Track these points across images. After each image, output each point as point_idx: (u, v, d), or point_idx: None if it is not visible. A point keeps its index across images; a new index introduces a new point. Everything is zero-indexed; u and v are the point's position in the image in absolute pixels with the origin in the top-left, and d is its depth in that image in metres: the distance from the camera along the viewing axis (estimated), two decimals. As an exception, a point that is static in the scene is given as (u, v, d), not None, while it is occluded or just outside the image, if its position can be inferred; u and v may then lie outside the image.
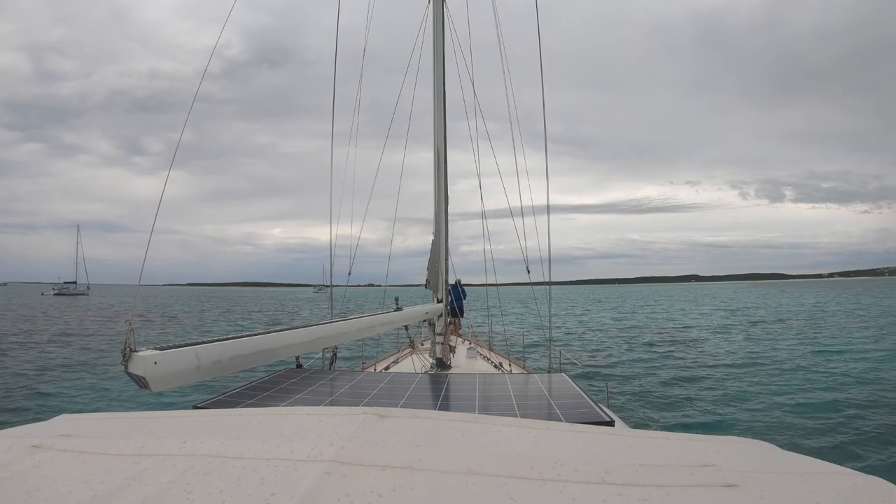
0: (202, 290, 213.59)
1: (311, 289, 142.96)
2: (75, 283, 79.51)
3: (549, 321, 6.28)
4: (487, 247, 7.93)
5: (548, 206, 6.42)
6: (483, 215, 7.89)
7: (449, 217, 7.06)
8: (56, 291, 76.52)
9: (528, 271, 7.10)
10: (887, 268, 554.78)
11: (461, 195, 8.23)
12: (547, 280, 6.62)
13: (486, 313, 11.35)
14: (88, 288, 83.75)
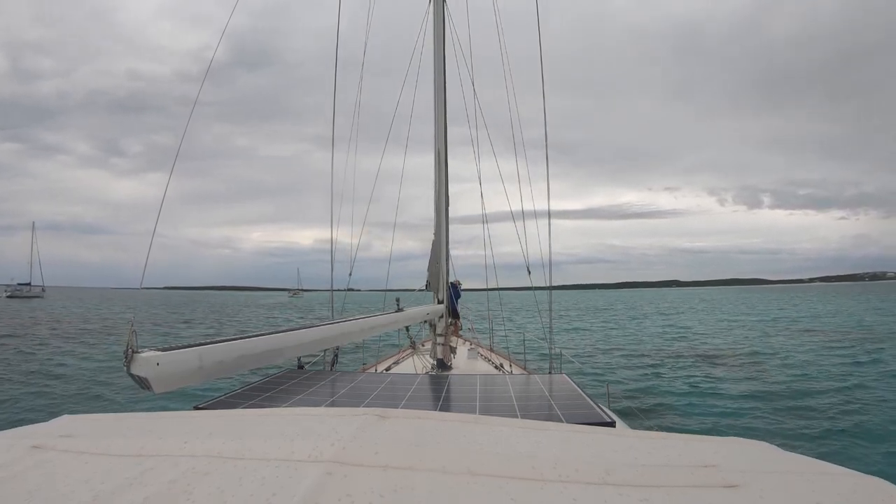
0: (176, 294, 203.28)
1: (286, 293, 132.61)
2: (29, 284, 74.66)
3: (550, 321, 6.24)
4: (488, 251, 8.02)
5: (548, 209, 6.40)
6: (484, 219, 7.93)
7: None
8: (9, 294, 71.31)
9: (529, 271, 7.04)
10: (867, 273, 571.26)
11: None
12: (544, 284, 6.63)
13: (485, 320, 10.84)
14: (43, 290, 79.06)
